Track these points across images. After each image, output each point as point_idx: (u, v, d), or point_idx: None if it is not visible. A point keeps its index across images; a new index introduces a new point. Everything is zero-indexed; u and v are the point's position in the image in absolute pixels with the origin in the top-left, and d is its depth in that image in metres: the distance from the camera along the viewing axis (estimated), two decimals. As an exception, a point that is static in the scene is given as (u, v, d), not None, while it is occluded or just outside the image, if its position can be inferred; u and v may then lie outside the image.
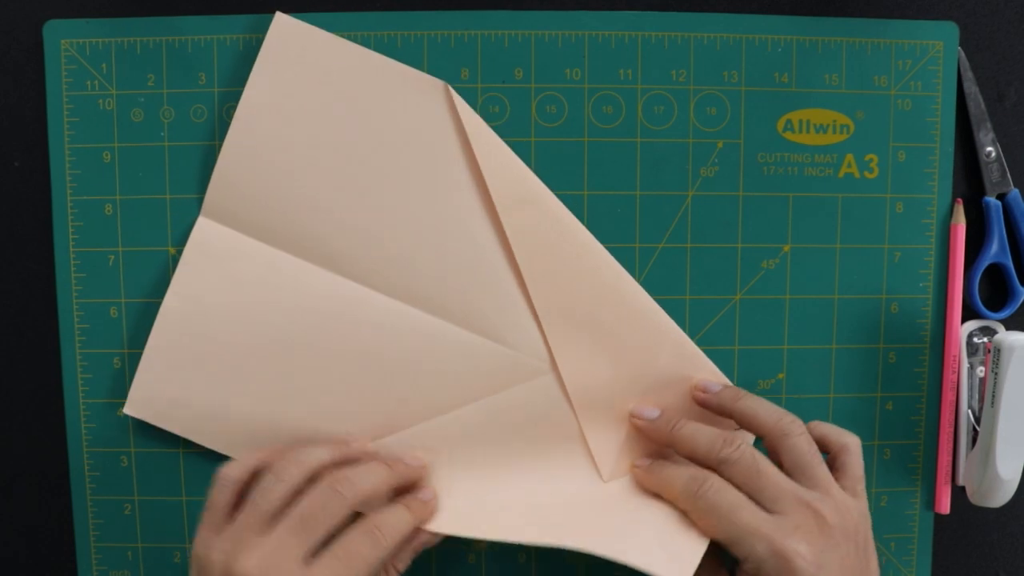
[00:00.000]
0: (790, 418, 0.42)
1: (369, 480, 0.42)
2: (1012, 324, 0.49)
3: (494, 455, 0.46)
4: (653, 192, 0.47)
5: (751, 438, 0.45)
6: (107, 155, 0.47)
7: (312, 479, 0.41)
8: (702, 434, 0.42)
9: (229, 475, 0.41)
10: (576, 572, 0.49)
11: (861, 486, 0.42)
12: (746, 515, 0.39)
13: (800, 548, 0.38)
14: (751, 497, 0.40)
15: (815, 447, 0.41)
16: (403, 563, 0.43)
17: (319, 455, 0.42)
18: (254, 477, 0.41)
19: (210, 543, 0.39)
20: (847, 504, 0.40)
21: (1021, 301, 0.48)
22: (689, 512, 0.41)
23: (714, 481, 0.40)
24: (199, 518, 0.41)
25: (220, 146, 0.46)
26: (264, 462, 0.42)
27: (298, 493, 0.40)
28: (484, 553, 0.48)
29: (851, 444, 0.42)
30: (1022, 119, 0.48)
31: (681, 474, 0.42)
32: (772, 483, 0.40)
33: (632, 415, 0.46)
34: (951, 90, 0.47)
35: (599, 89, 0.47)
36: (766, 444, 0.42)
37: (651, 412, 0.45)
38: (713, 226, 0.47)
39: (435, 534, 0.43)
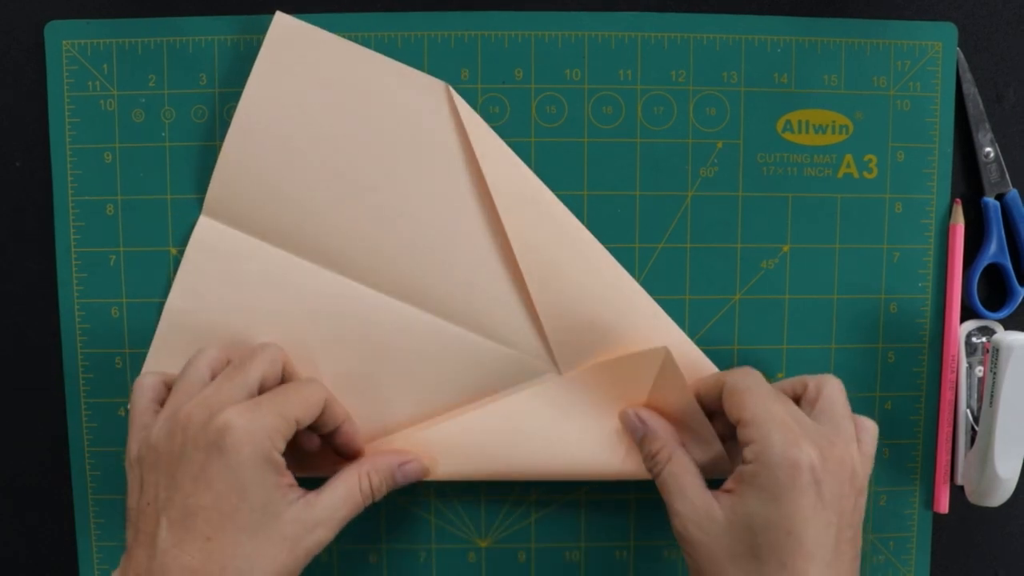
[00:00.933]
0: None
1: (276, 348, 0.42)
2: (1011, 324, 0.49)
3: (494, 455, 0.46)
4: (653, 192, 0.47)
5: None
6: (108, 155, 0.47)
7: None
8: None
9: (142, 382, 0.42)
10: (577, 571, 0.49)
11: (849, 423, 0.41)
12: (779, 406, 0.39)
13: (813, 456, 0.37)
14: None
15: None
16: (380, 492, 0.43)
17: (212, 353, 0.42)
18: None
19: (137, 447, 0.40)
20: (852, 448, 0.40)
21: (1019, 301, 0.48)
22: (724, 387, 0.41)
23: (758, 371, 0.42)
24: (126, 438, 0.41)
25: (221, 146, 0.46)
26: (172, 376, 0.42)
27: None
28: (484, 552, 0.48)
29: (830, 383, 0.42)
30: (1021, 120, 0.48)
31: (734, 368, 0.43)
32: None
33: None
34: (950, 91, 0.47)
35: (599, 89, 0.47)
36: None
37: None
38: (712, 226, 0.47)
39: (417, 466, 0.44)
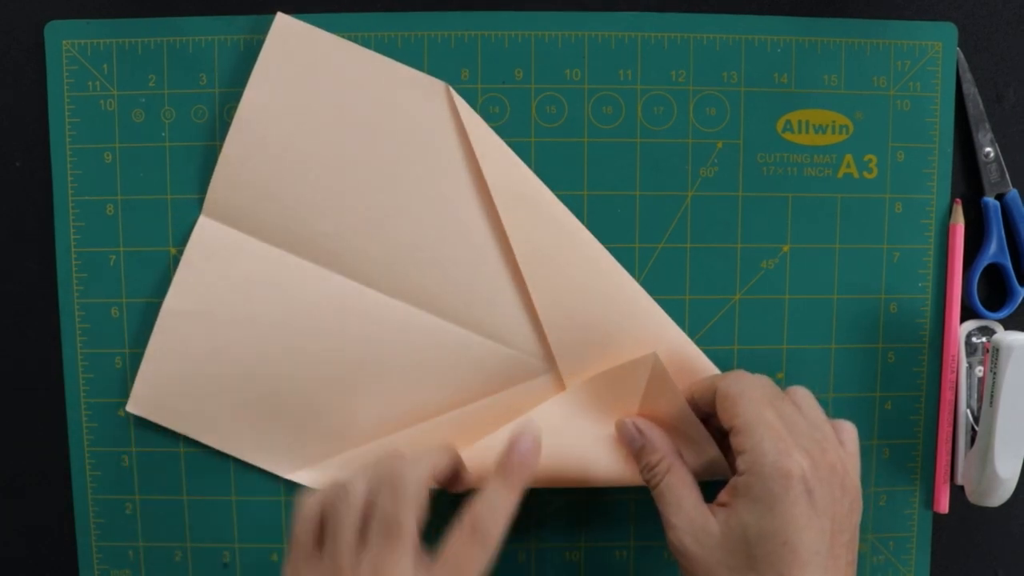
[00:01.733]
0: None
1: (425, 467, 0.40)
2: (1011, 324, 0.49)
3: (493, 455, 0.46)
4: (653, 192, 0.47)
5: None
6: (108, 155, 0.47)
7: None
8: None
9: (309, 506, 0.40)
10: (577, 571, 0.49)
11: (829, 427, 0.41)
12: (771, 412, 0.39)
13: (804, 465, 0.38)
14: None
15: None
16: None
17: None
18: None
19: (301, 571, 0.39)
20: (840, 452, 0.40)
21: (1019, 301, 0.48)
22: (716, 392, 0.41)
23: (760, 376, 0.41)
24: (285, 556, 0.40)
25: (221, 146, 0.46)
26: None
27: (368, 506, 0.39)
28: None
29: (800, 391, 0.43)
30: (1021, 120, 0.48)
31: (728, 372, 0.43)
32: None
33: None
34: (950, 91, 0.47)
35: (599, 89, 0.47)
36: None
37: (636, 441, 0.44)
38: (712, 226, 0.47)
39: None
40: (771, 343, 0.48)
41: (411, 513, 0.39)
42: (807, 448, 0.38)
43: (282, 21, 0.46)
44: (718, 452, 0.44)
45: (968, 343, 0.48)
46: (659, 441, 0.43)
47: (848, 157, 0.47)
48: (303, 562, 0.39)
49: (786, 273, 0.48)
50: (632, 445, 0.44)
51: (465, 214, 0.46)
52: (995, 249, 0.48)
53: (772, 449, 0.38)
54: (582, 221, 0.47)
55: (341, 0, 0.46)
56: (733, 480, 0.39)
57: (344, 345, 0.46)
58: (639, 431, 0.44)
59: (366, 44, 0.46)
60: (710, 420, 0.44)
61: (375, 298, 0.46)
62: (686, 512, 0.40)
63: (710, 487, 0.42)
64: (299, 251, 0.46)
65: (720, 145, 0.47)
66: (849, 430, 0.42)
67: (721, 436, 0.43)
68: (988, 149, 0.48)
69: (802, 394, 0.42)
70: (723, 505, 0.40)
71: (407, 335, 0.46)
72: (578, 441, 0.44)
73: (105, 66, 0.46)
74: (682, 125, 0.47)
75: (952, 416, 0.48)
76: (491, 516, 0.39)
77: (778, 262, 0.48)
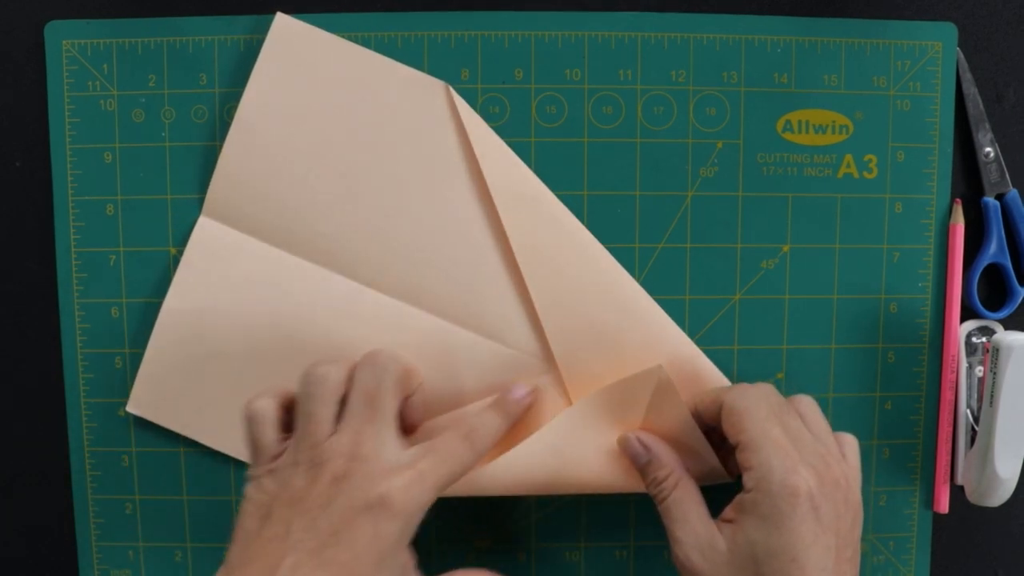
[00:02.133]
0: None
1: (402, 359, 0.41)
2: (1011, 324, 0.49)
3: (493, 455, 0.46)
4: (653, 192, 0.47)
5: None
6: (108, 155, 0.47)
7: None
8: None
9: (263, 408, 0.40)
10: (577, 571, 0.49)
11: (833, 440, 0.42)
12: (777, 429, 0.39)
13: (811, 482, 0.38)
14: None
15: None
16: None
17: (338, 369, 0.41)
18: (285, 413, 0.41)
19: (268, 479, 0.38)
20: (843, 466, 0.41)
21: (1020, 301, 0.48)
22: (722, 407, 0.41)
23: (765, 386, 0.41)
24: (247, 470, 0.40)
25: (221, 146, 0.46)
26: (285, 395, 0.41)
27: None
28: (484, 552, 0.48)
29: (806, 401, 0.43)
30: (1021, 120, 0.48)
31: (729, 386, 0.42)
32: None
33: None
34: (950, 91, 0.47)
35: (599, 89, 0.47)
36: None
37: (642, 456, 0.44)
38: (712, 226, 0.47)
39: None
40: (771, 343, 0.48)
41: (393, 390, 0.40)
42: (813, 464, 0.39)
43: (282, 21, 0.46)
44: (718, 463, 0.44)
45: (968, 343, 0.48)
46: (665, 456, 0.43)
47: (848, 157, 0.47)
48: (266, 464, 0.39)
49: (786, 273, 0.48)
50: (637, 460, 0.43)
51: (465, 214, 0.46)
52: (995, 249, 0.48)
53: (779, 467, 0.38)
54: (582, 221, 0.47)
55: (341, 0, 0.46)
56: (740, 497, 0.40)
57: (344, 345, 0.46)
58: (644, 446, 0.43)
59: (366, 44, 0.46)
60: (711, 431, 0.44)
61: (375, 298, 0.46)
62: (693, 527, 0.40)
63: (712, 502, 0.42)
64: (299, 251, 0.46)
65: (720, 145, 0.47)
66: (851, 443, 0.43)
67: (720, 440, 0.43)
68: (988, 149, 0.48)
69: (806, 404, 0.42)
70: (729, 521, 0.40)
71: (407, 335, 0.46)
72: (584, 453, 0.44)
73: (105, 66, 0.46)
74: (682, 125, 0.47)
75: (952, 416, 0.48)
76: (483, 428, 0.41)
77: (778, 262, 0.48)
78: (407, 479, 0.38)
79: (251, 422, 0.40)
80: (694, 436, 0.43)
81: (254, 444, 0.40)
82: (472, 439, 0.41)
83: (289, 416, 0.40)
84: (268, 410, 0.40)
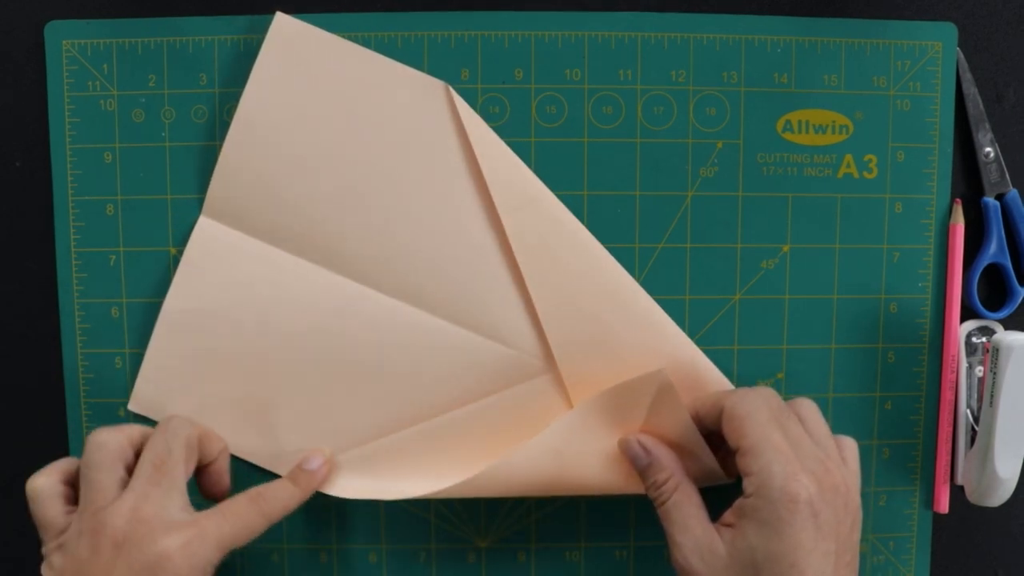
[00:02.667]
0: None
1: (184, 425, 0.41)
2: (1011, 324, 0.49)
3: (493, 455, 0.46)
4: (653, 192, 0.47)
5: None
6: (108, 155, 0.47)
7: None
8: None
9: (41, 486, 0.40)
10: (577, 571, 0.49)
11: (833, 444, 0.42)
12: (778, 434, 0.39)
13: (811, 488, 0.38)
14: None
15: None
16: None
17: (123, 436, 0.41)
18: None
19: (56, 555, 0.38)
20: (843, 471, 0.40)
21: (1020, 301, 0.48)
22: (723, 411, 0.41)
23: (765, 390, 0.41)
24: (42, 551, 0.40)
25: (221, 146, 0.46)
26: (68, 468, 0.41)
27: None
28: (484, 552, 0.48)
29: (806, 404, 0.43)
30: (1021, 120, 0.48)
31: (730, 390, 0.42)
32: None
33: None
34: (950, 91, 0.47)
35: (599, 89, 0.47)
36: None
37: (642, 459, 0.44)
38: (712, 226, 0.47)
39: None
40: (771, 343, 0.48)
41: (184, 454, 0.40)
42: (813, 470, 0.39)
43: (282, 21, 0.46)
44: (718, 466, 0.44)
45: (968, 343, 0.48)
46: (666, 459, 0.43)
47: (848, 157, 0.47)
48: (54, 540, 0.39)
49: (786, 273, 0.48)
50: (638, 463, 0.43)
51: (465, 214, 0.46)
52: (995, 249, 0.48)
53: (780, 473, 0.38)
54: (582, 221, 0.47)
55: (341, 0, 0.46)
56: (740, 502, 0.40)
57: (344, 345, 0.46)
58: (645, 449, 0.43)
59: (366, 44, 0.46)
60: (711, 434, 0.44)
61: (375, 298, 0.46)
62: (692, 531, 0.40)
63: (711, 506, 0.42)
64: (299, 251, 0.46)
65: (720, 145, 0.47)
66: (851, 447, 0.43)
67: (719, 443, 0.43)
68: (988, 149, 0.48)
69: (807, 407, 0.42)
70: (729, 526, 0.40)
71: (407, 335, 0.46)
72: (584, 456, 0.44)
73: (105, 66, 0.46)
74: (682, 125, 0.47)
75: (952, 416, 0.48)
76: (272, 494, 0.42)
77: (778, 262, 0.48)
78: (187, 536, 0.38)
79: (32, 501, 0.40)
80: (694, 440, 0.43)
81: (38, 522, 0.40)
82: (259, 502, 0.41)
83: (75, 489, 0.40)
84: (47, 486, 0.40)
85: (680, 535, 0.41)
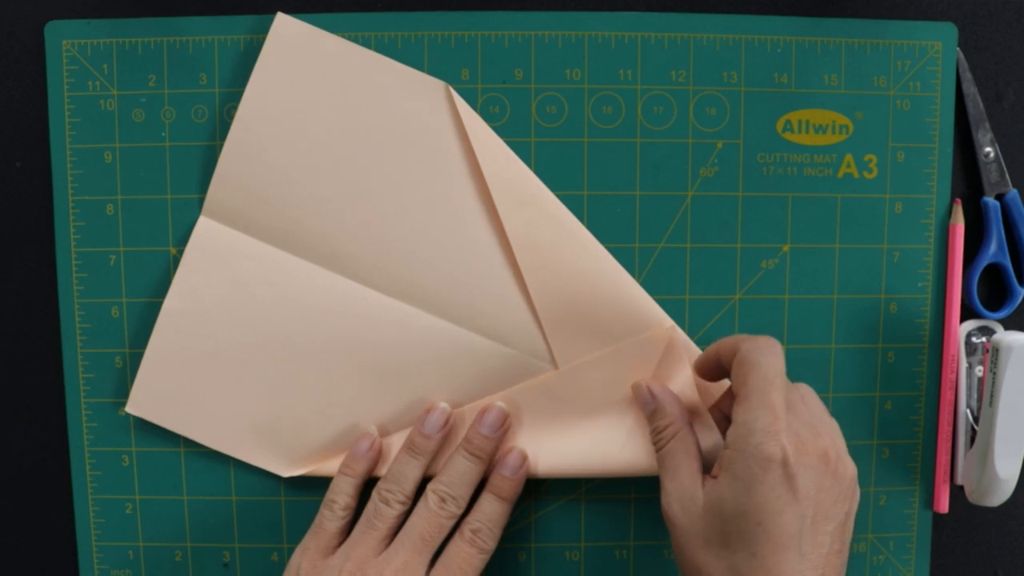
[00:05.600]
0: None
1: (467, 485, 0.44)
2: (1010, 324, 0.49)
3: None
4: (653, 192, 0.47)
5: None
6: (108, 155, 0.47)
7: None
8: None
9: (339, 502, 0.44)
10: (577, 571, 0.49)
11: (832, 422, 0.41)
12: (776, 393, 0.39)
13: (788, 449, 0.37)
14: None
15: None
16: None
17: (414, 473, 0.45)
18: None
19: (324, 565, 0.43)
20: (838, 443, 0.40)
21: (1020, 301, 0.48)
22: (738, 352, 0.41)
23: (779, 354, 0.40)
24: (303, 540, 0.44)
25: (221, 146, 0.46)
26: (363, 478, 0.46)
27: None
28: (484, 552, 0.48)
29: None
30: (1020, 120, 0.48)
31: (752, 336, 0.42)
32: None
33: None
34: (950, 91, 0.47)
35: (599, 89, 0.47)
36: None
37: (648, 404, 0.44)
38: (712, 226, 0.47)
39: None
40: (771, 343, 0.48)
41: (444, 536, 0.44)
42: (799, 432, 0.38)
43: (282, 21, 0.46)
44: (720, 438, 0.44)
45: (968, 343, 0.48)
46: (670, 406, 0.43)
47: (848, 157, 0.47)
48: (321, 552, 0.44)
49: (786, 273, 0.48)
50: (645, 409, 0.44)
51: (465, 214, 0.46)
52: (995, 249, 0.48)
53: (761, 428, 0.38)
54: (582, 221, 0.47)
55: (341, 0, 0.46)
56: (721, 452, 0.39)
57: (344, 345, 0.46)
58: (652, 394, 0.44)
59: (366, 44, 0.46)
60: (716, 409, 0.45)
61: (375, 298, 0.46)
62: (680, 480, 0.41)
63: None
64: (299, 251, 0.46)
65: (720, 145, 0.47)
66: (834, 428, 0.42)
67: (721, 418, 0.44)
68: (988, 149, 0.48)
69: (805, 389, 0.42)
70: (714, 477, 0.40)
71: (407, 335, 0.46)
72: (582, 424, 0.46)
73: (105, 66, 0.46)
74: (682, 125, 0.47)
75: (952, 416, 0.48)
76: (488, 522, 0.44)
77: (778, 262, 0.48)
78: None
79: (324, 509, 0.45)
80: (695, 406, 0.44)
81: (318, 528, 0.45)
82: (478, 543, 0.44)
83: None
84: (341, 501, 0.45)
85: (669, 482, 0.41)
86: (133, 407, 0.47)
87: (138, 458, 0.48)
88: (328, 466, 0.47)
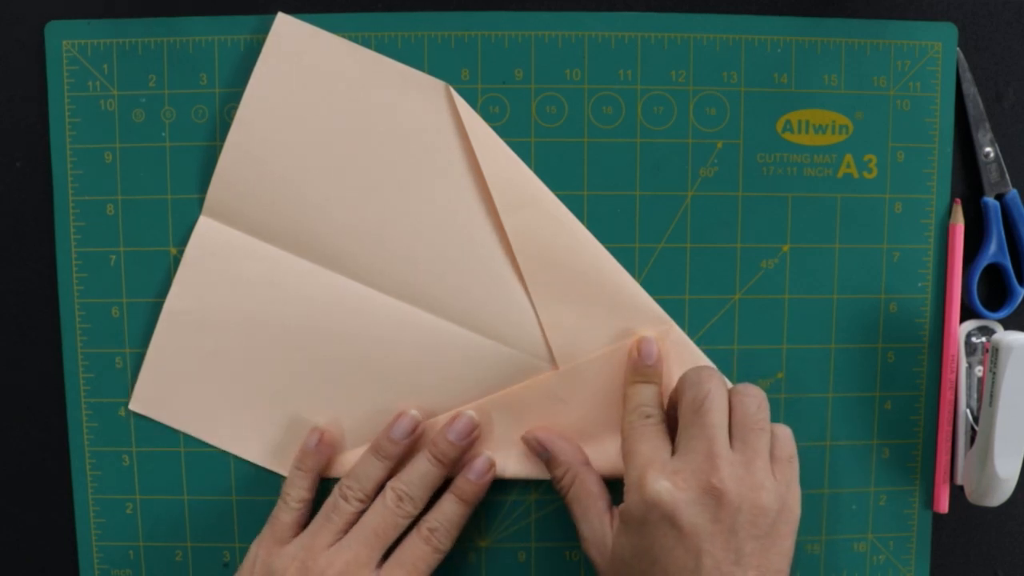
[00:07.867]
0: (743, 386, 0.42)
1: (427, 487, 0.44)
2: (1010, 324, 0.49)
3: (493, 455, 0.46)
4: (653, 192, 0.47)
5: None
6: (108, 155, 0.47)
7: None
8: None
9: (292, 495, 0.45)
10: (577, 571, 0.49)
11: (789, 468, 0.41)
12: (696, 430, 0.39)
13: (670, 490, 0.38)
14: None
15: (765, 414, 0.41)
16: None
17: (376, 474, 0.45)
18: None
19: (279, 552, 0.43)
20: (777, 493, 0.39)
21: (1020, 301, 0.48)
22: (682, 379, 0.41)
23: (751, 388, 0.41)
24: (261, 531, 0.45)
25: (221, 146, 0.46)
26: (317, 472, 0.46)
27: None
28: (484, 552, 0.48)
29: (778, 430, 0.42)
30: (1020, 120, 0.48)
31: (692, 376, 0.41)
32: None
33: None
34: (950, 91, 0.47)
35: (599, 89, 0.47)
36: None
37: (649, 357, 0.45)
38: (712, 226, 0.47)
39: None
40: (771, 343, 0.48)
41: (397, 533, 0.44)
42: (693, 471, 0.38)
43: (282, 21, 0.46)
44: None
45: (968, 343, 0.48)
46: (562, 454, 0.45)
47: (848, 157, 0.47)
48: (277, 541, 0.44)
49: (786, 273, 0.48)
50: (540, 458, 0.46)
51: (465, 214, 0.46)
52: (995, 249, 0.48)
53: (644, 474, 0.39)
54: (582, 221, 0.47)
55: (341, 0, 0.46)
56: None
57: (344, 345, 0.46)
58: (541, 445, 0.45)
59: (366, 44, 0.46)
60: None
61: (375, 298, 0.46)
62: (590, 524, 0.43)
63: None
64: (299, 251, 0.46)
65: (720, 145, 0.47)
66: (780, 435, 0.41)
67: None
68: (988, 149, 0.48)
69: (782, 430, 0.41)
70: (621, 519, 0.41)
71: (407, 335, 0.46)
72: (581, 425, 0.46)
73: (105, 66, 0.46)
74: (682, 125, 0.47)
75: (952, 416, 0.48)
76: (445, 521, 0.44)
77: (778, 262, 0.48)
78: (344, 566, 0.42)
79: (280, 502, 0.46)
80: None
81: (274, 519, 0.45)
82: (432, 541, 0.44)
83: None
84: (297, 495, 0.45)
85: (582, 527, 0.43)
86: (136, 404, 0.47)
87: (138, 458, 0.48)
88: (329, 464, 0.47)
